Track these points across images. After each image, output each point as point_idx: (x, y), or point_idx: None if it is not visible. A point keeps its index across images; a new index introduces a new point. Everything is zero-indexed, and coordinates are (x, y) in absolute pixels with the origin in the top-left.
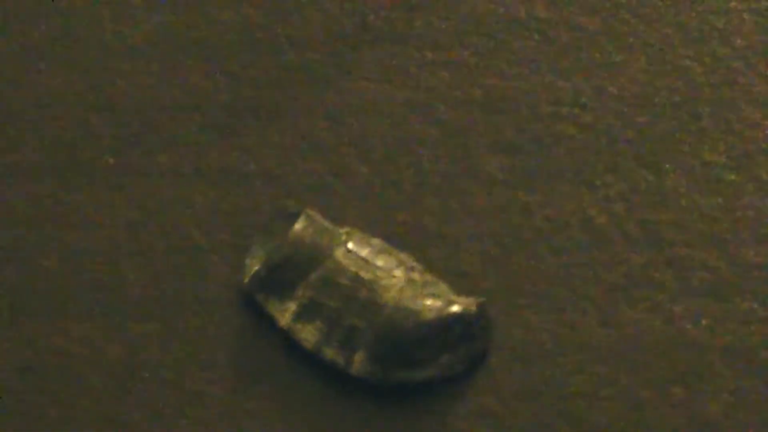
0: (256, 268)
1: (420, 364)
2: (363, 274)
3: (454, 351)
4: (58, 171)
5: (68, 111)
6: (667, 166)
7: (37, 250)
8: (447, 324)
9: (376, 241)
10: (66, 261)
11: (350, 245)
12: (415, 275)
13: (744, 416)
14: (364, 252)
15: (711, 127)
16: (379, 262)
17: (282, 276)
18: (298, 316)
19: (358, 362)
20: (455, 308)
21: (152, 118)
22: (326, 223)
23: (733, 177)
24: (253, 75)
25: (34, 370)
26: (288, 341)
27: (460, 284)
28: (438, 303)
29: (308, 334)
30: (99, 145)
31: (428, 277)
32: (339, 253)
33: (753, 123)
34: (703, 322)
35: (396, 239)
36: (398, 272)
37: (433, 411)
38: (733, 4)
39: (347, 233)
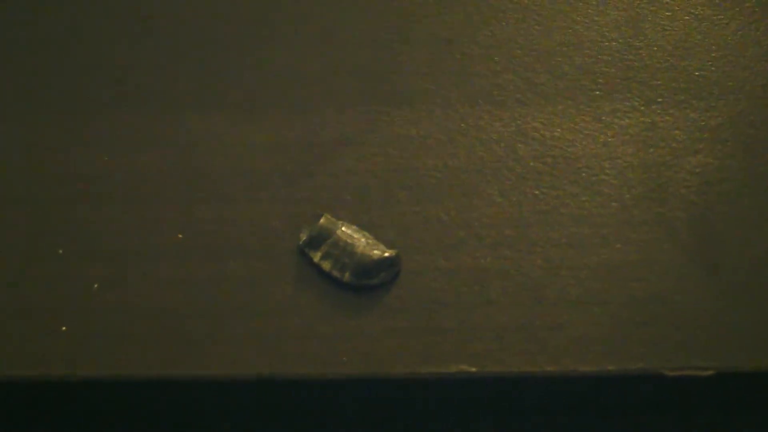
0: (304, 237)
1: (372, 277)
2: (348, 240)
3: (386, 271)
4: None
5: None
6: None
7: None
8: (383, 260)
9: (353, 227)
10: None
11: (343, 229)
12: (369, 241)
13: None
14: (349, 232)
15: None
16: (355, 235)
17: (315, 241)
18: (322, 258)
19: (347, 276)
20: (387, 254)
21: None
22: (333, 219)
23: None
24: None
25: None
26: (317, 268)
27: (386, 242)
28: (378, 252)
29: (326, 265)
30: None
31: (374, 241)
32: (338, 232)
33: None
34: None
35: (360, 225)
36: (362, 240)
37: (377, 296)
38: None
39: (341, 223)
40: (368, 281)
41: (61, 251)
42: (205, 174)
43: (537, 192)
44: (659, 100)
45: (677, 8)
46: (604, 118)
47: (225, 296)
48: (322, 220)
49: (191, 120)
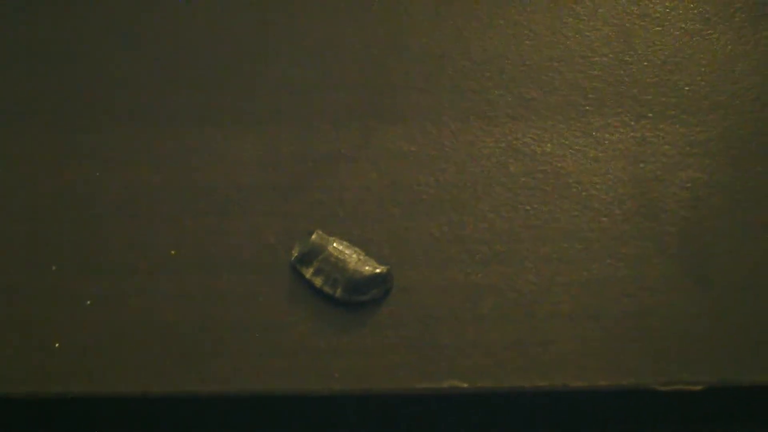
0: (296, 254)
1: (363, 293)
2: (340, 256)
3: (377, 287)
4: None
5: None
6: None
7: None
8: (375, 276)
9: (345, 243)
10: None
11: (335, 245)
12: (361, 256)
13: None
14: (340, 248)
15: None
16: (346, 251)
17: (307, 257)
18: (314, 274)
19: (338, 292)
20: (378, 270)
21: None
22: (324, 235)
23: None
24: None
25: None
26: (309, 284)
27: (378, 257)
28: (370, 268)
29: (318, 281)
30: None
31: (365, 257)
32: (330, 248)
33: None
34: None
35: (352, 241)
36: (354, 255)
37: (369, 312)
38: None
39: (333, 239)
40: (360, 297)
41: (54, 267)
42: (199, 188)
43: (528, 207)
44: (649, 115)
45: (667, 23)
46: (594, 133)
47: (218, 311)
48: (313, 236)
49: (185, 134)
